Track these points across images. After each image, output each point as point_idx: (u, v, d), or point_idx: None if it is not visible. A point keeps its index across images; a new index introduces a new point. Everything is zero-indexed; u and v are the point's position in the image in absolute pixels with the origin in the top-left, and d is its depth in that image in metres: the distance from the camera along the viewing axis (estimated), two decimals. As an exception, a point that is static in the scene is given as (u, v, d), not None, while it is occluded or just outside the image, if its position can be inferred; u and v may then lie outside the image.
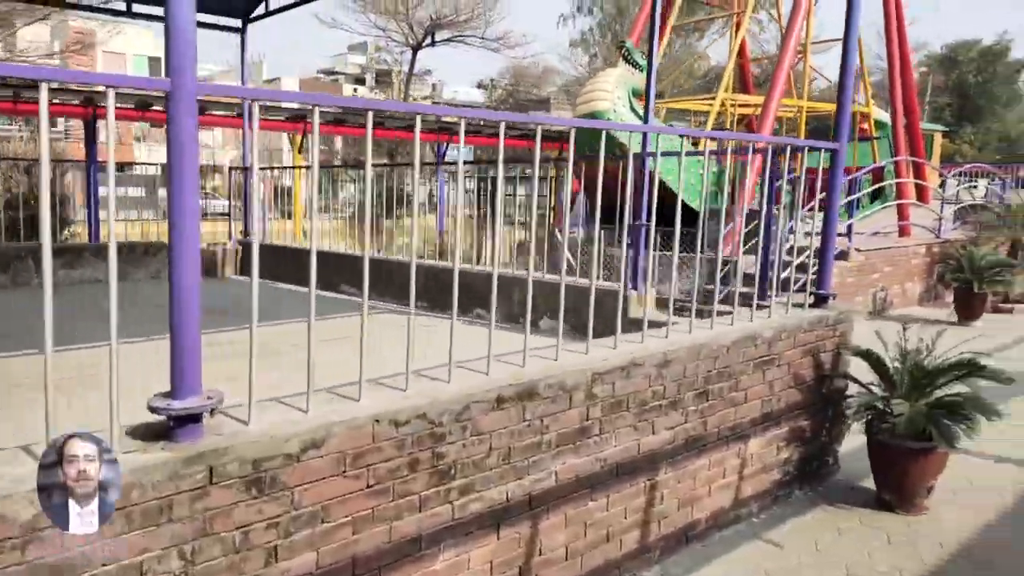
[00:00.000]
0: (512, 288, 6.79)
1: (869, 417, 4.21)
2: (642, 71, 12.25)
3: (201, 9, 10.68)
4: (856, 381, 4.57)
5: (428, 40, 21.38)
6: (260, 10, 9.67)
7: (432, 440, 2.58)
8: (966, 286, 10.24)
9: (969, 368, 4.05)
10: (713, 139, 6.17)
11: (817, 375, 4.49)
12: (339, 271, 8.74)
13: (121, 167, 37.33)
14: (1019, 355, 8.49)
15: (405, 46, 22.42)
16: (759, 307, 4.69)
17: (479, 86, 47.74)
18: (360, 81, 42.04)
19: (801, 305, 4.65)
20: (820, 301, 4.73)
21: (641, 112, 11.73)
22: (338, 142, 32.29)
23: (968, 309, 10.43)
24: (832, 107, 16.87)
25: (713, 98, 13.35)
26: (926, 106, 38.34)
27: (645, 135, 7.79)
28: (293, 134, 12.24)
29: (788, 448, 4.38)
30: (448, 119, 12.50)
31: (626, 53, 12.00)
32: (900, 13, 14.18)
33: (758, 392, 4.10)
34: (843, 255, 10.50)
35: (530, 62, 40.33)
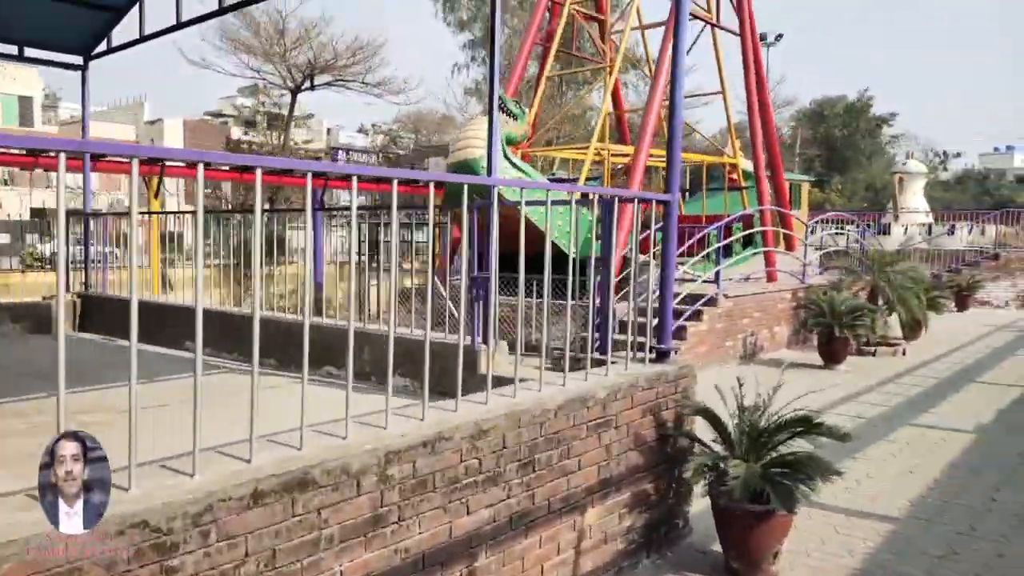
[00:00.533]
0: (366, 343, 6.36)
1: (710, 479, 4.00)
2: (516, 119, 12.25)
3: (39, 45, 9.75)
4: (698, 440, 4.38)
5: (307, 84, 20.95)
6: (102, 47, 9.00)
7: (157, 553, 2.11)
8: (828, 331, 10.53)
9: (805, 426, 3.92)
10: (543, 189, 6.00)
11: (659, 434, 4.28)
12: (189, 325, 8.05)
13: None
14: (879, 399, 8.71)
15: (284, 89, 21.91)
16: (597, 363, 4.47)
17: (360, 131, 47.55)
18: (251, 124, 40.80)
19: (642, 360, 4.45)
20: (661, 356, 4.56)
21: (515, 160, 11.66)
22: (226, 186, 31.09)
23: (831, 353, 10.73)
24: (704, 158, 17.47)
25: (586, 148, 13.54)
26: (796, 158, 40.83)
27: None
28: (148, 177, 11.45)
29: (632, 515, 4.12)
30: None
31: (500, 102, 11.95)
32: (760, 68, 14.88)
33: (594, 457, 3.82)
34: (712, 301, 10.63)
35: (428, 110, 40.46)
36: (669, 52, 13.15)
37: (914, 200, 25.87)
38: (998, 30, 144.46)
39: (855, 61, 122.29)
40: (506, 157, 11.45)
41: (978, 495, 5.43)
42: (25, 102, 47.57)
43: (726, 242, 11.94)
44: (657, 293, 4.71)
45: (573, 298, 10.51)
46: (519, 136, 12.20)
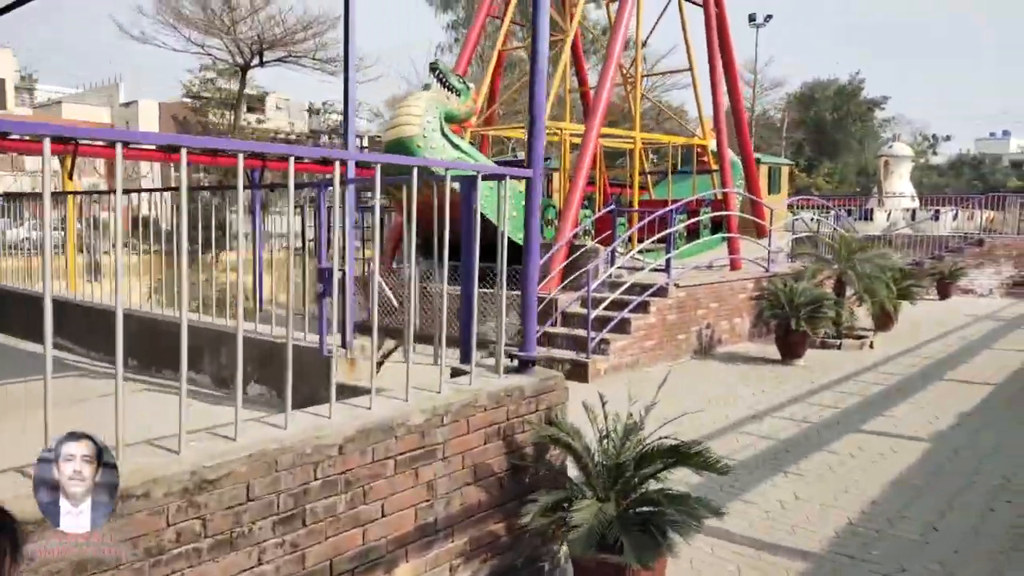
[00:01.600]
0: (223, 345, 5.57)
1: (561, 522, 3.22)
2: (460, 95, 11.39)
3: None
4: (558, 471, 3.60)
5: (256, 60, 19.90)
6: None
7: None
8: (785, 323, 9.76)
9: (676, 456, 3.14)
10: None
11: (512, 464, 3.50)
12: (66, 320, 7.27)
13: None
14: (831, 399, 7.95)
15: (232, 65, 20.81)
16: (458, 373, 3.69)
17: (308, 110, 46.57)
18: (230, 106, 39.69)
19: (496, 372, 3.67)
20: (524, 366, 3.77)
21: (455, 140, 10.81)
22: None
23: (789, 347, 9.96)
24: (670, 139, 16.59)
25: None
26: (783, 141, 39.90)
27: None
28: (63, 156, 10.59)
29: (470, 564, 3.35)
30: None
31: (440, 75, 11.09)
32: (727, 41, 14.00)
33: (407, 499, 3.04)
34: (661, 291, 9.85)
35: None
36: (624, 20, 12.32)
37: (900, 184, 25.04)
38: (999, 14, 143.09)
39: (848, 44, 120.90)
40: (444, 135, 10.61)
41: (917, 524, 4.67)
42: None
43: (679, 227, 11.15)
44: (520, 292, 3.90)
45: (492, 287, 9.59)
46: (462, 113, 11.34)
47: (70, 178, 11.04)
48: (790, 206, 18.43)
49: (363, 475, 2.86)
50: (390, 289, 11.09)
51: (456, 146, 10.62)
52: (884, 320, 12.32)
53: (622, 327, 9.31)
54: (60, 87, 56.68)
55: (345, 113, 5.04)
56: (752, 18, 43.50)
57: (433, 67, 11.37)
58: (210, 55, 20.71)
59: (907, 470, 5.65)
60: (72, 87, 55.71)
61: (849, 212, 22.04)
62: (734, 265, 12.43)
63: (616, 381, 8.65)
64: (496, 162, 20.77)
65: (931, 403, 7.83)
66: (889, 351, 10.81)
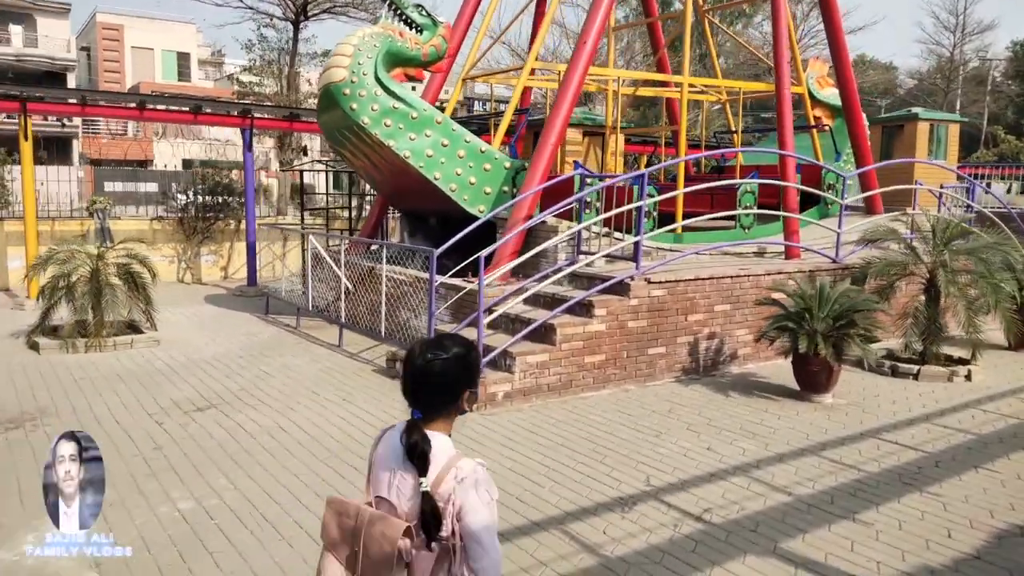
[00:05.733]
0: None
1: None
2: (422, 31, 9.23)
3: None
4: None
5: (303, 14, 18.63)
6: None
7: None
8: (799, 343, 6.69)
9: None
10: None
11: None
12: None
13: (143, 164, 36.77)
14: (851, 479, 5.03)
15: (284, 20, 19.72)
16: None
17: None
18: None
19: None
20: None
21: (393, 86, 8.70)
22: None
23: (808, 377, 6.89)
24: (744, 84, 13.16)
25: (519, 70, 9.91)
26: (987, 96, 32.76)
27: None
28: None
29: None
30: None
31: (394, 6, 8.98)
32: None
33: None
34: (620, 288, 7.18)
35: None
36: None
37: None
38: None
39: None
40: (380, 83, 8.54)
41: None
42: (184, 58, 50.36)
43: (659, 199, 8.29)
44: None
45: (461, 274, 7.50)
46: (423, 54, 9.18)
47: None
48: (959, 177, 14.19)
49: None
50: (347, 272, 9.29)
51: (393, 93, 8.50)
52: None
53: (547, 337, 6.81)
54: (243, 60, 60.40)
55: None
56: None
57: (386, -5, 9.27)
58: (262, 11, 19.87)
59: None
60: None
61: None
62: (790, 253, 9.24)
63: (521, 412, 6.30)
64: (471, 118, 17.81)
65: (992, 494, 4.70)
66: (996, 384, 7.32)
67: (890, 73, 43.08)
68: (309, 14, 19.27)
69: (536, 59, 11.50)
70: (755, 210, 9.91)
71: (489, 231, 8.43)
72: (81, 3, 69.21)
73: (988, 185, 21.65)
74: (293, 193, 18.24)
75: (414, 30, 9.12)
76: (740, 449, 5.58)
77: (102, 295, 8.59)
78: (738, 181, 10.82)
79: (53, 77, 39.21)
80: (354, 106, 8.34)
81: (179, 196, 14.63)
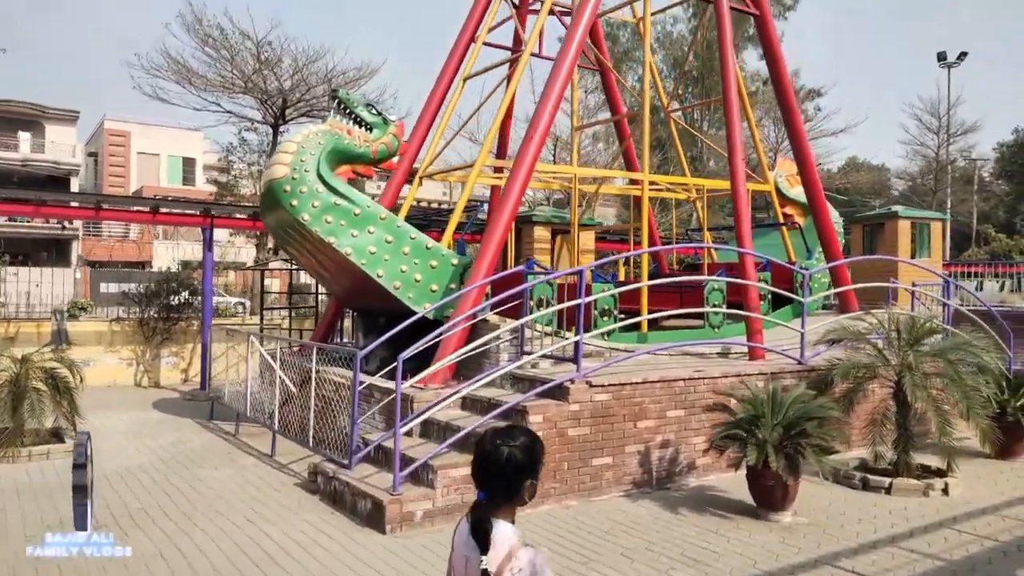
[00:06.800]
0: None
1: None
2: (371, 129, 9.10)
3: None
4: None
5: (282, 117, 18.99)
6: None
7: None
8: (750, 456, 6.11)
9: None
10: None
11: None
12: None
13: (142, 265, 36.98)
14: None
15: (263, 124, 20.07)
16: None
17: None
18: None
19: None
20: None
21: (335, 183, 8.48)
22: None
23: (763, 492, 6.27)
24: (701, 182, 13.01)
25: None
26: (975, 196, 32.94)
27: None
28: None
29: None
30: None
31: (343, 105, 8.90)
32: (777, 54, 10.49)
33: None
34: (560, 392, 6.68)
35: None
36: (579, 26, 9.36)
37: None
38: None
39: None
40: (321, 179, 8.34)
41: None
42: (189, 163, 51.69)
43: (608, 294, 7.87)
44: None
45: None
46: (372, 152, 9.03)
47: None
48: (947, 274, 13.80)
49: None
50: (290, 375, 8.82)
51: (334, 190, 8.28)
52: (1008, 446, 8.01)
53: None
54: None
55: None
56: (941, 57, 37.34)
57: (334, 94, 9.24)
58: (231, 112, 20.27)
59: None
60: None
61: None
62: (753, 354, 8.75)
63: (442, 533, 5.67)
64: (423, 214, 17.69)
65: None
66: (975, 498, 6.65)
67: (882, 174, 43.71)
68: (287, 118, 19.68)
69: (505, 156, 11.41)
70: (721, 309, 9.52)
71: (433, 329, 8.02)
72: (91, 109, 72.03)
73: (980, 283, 21.38)
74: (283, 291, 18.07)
75: (364, 128, 9.02)
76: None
77: (23, 401, 8.13)
78: (704, 278, 10.52)
79: (56, 181, 40.04)
80: (294, 203, 8.11)
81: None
